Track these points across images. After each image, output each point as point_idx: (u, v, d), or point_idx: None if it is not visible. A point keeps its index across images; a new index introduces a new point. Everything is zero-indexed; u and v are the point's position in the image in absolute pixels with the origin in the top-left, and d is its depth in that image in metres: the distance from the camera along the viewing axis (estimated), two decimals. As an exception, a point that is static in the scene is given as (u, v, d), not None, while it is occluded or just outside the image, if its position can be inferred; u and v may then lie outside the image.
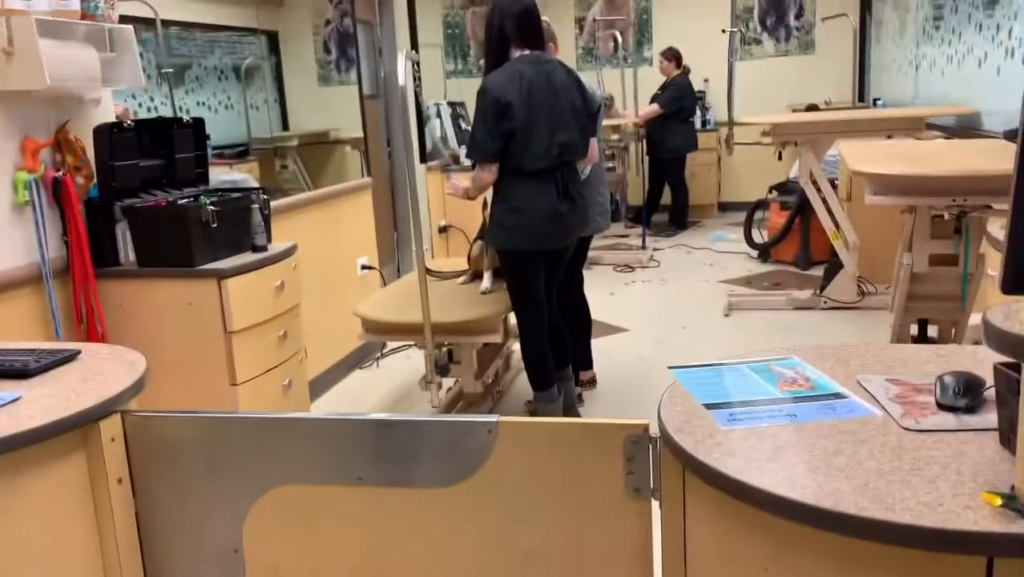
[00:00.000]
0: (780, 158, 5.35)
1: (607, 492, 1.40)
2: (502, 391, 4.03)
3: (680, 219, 7.99)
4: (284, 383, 2.87)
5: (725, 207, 8.71)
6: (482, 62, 3.24)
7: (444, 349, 3.42)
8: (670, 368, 1.52)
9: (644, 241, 7.16)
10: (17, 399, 1.52)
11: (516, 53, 3.03)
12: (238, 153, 7.52)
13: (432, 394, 3.24)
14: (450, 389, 3.81)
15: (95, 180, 2.63)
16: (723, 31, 5.40)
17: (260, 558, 1.56)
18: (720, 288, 5.79)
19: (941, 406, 1.27)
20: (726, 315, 5.13)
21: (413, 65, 3.57)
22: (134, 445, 1.57)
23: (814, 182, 4.93)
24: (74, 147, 2.57)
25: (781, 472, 1.09)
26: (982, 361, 1.44)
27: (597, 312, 4.20)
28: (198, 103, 7.95)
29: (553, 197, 2.99)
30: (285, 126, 8.68)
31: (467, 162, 6.01)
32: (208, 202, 2.65)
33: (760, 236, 6.70)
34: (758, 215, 6.72)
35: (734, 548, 1.17)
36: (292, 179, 7.14)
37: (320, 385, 4.17)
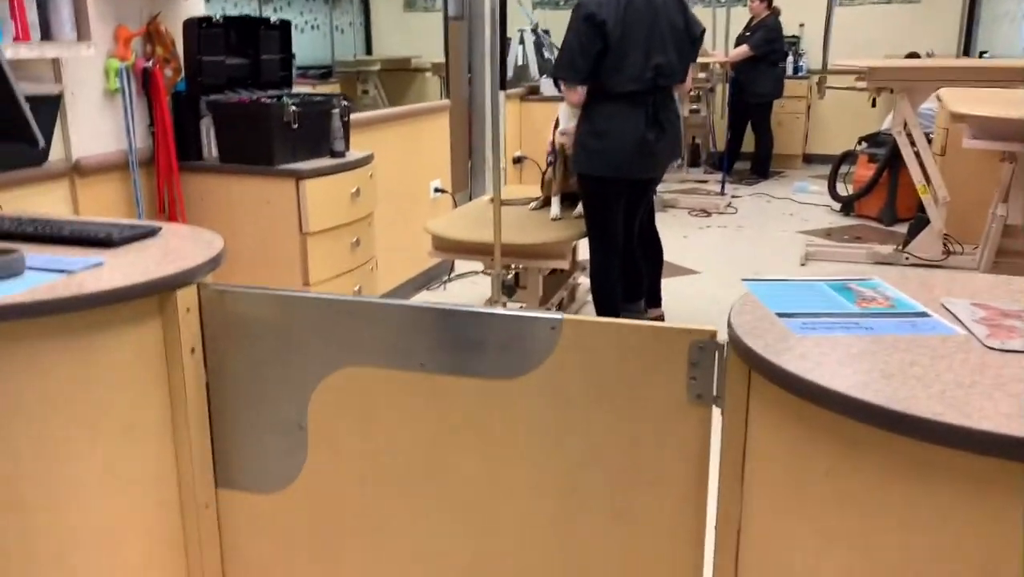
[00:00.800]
0: (874, 105, 5.14)
1: (668, 397, 1.38)
2: (567, 320, 4.02)
3: (763, 167, 7.77)
4: (355, 289, 2.91)
5: (811, 159, 8.45)
6: None
7: (511, 272, 3.42)
8: (744, 280, 1.48)
9: (723, 187, 7.01)
10: (100, 264, 1.57)
11: None
12: (321, 75, 7.56)
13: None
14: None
15: (183, 74, 2.67)
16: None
17: (323, 436, 1.59)
18: (798, 239, 5.64)
19: (1030, 331, 1.21)
20: (803, 264, 5.01)
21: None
22: (208, 318, 1.62)
23: (908, 133, 4.72)
24: (164, 39, 2.61)
25: (854, 376, 1.06)
26: (1079, 295, 1.36)
27: (669, 254, 4.14)
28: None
29: (641, 123, 2.91)
30: (369, 50, 8.69)
31: (547, 91, 5.94)
32: (291, 103, 2.67)
33: (845, 189, 6.48)
34: (844, 168, 6.50)
35: (796, 451, 1.15)
36: (372, 104, 7.16)
37: (396, 297, 4.22)
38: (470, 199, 5.75)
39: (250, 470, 1.67)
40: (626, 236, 3.22)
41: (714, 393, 1.34)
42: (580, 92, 2.91)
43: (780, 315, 1.30)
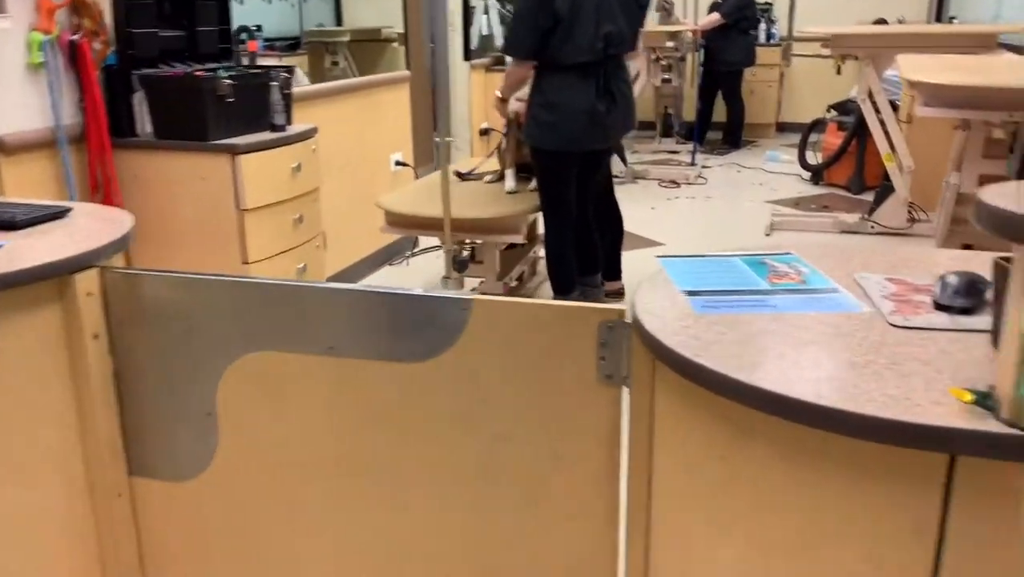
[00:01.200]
0: (839, 72, 5.08)
1: (579, 377, 1.34)
2: (527, 296, 3.98)
3: (735, 137, 7.72)
4: (299, 267, 2.86)
5: (784, 127, 8.39)
6: None
7: (467, 247, 3.37)
8: (658, 256, 1.44)
9: (694, 158, 6.96)
10: (-2, 247, 1.51)
11: None
12: (288, 46, 7.42)
13: (448, 290, 3.21)
14: (473, 289, 3.78)
15: (113, 47, 2.59)
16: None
17: (233, 423, 1.55)
18: (766, 208, 5.60)
19: (939, 306, 1.18)
20: (767, 235, 4.97)
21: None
22: (114, 302, 1.56)
23: (873, 101, 4.68)
24: (91, 10, 2.52)
25: (744, 357, 1.02)
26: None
27: (635, 226, 4.11)
28: (254, -8, 7.80)
29: (592, 94, 2.85)
30: (339, 21, 8.53)
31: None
32: (225, 76, 2.59)
33: (815, 158, 6.45)
34: (814, 136, 6.46)
35: (694, 436, 1.12)
36: (342, 75, 7.03)
37: (347, 277, 4.17)
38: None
39: (163, 458, 1.63)
40: (580, 209, 3.17)
41: (623, 374, 1.30)
42: (528, 66, 2.86)
43: (687, 293, 1.26)
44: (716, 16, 7.21)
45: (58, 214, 1.71)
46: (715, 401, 1.03)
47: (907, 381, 0.95)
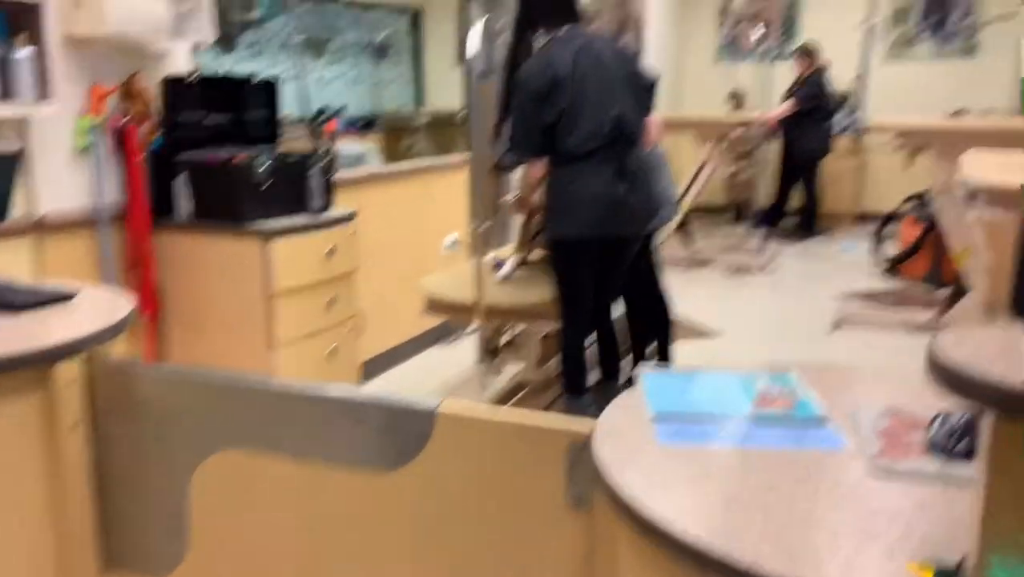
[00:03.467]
0: (912, 164, 4.90)
1: (547, 499, 1.25)
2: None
3: (809, 224, 7.52)
4: (329, 349, 2.84)
5: (863, 217, 8.14)
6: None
7: (505, 334, 3.31)
8: (642, 372, 1.35)
9: (763, 245, 6.78)
10: (-11, 332, 1.52)
11: (549, 35, 2.80)
12: (366, 125, 7.64)
13: (481, 377, 3.14)
14: (514, 376, 3.70)
15: (160, 132, 2.67)
16: (861, 24, 4.99)
17: (205, 521, 1.50)
18: (836, 301, 5.39)
19: (934, 446, 1.05)
20: (833, 329, 4.76)
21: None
22: (101, 390, 1.55)
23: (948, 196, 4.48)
24: (141, 96, 2.62)
25: (687, 500, 0.92)
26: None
27: (696, 313, 3.96)
28: (335, 75, 8.11)
29: (608, 177, 2.73)
30: (420, 102, 8.77)
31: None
32: (263, 161, 2.64)
33: (892, 250, 6.20)
34: (891, 227, 6.23)
35: (651, 572, 1.01)
36: (417, 156, 7.18)
37: (390, 358, 4.15)
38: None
39: (138, 550, 1.59)
40: (601, 306, 3.04)
41: (592, 497, 1.21)
42: (540, 165, 2.75)
43: (658, 416, 1.16)
44: (790, 103, 7.11)
45: (63, 297, 1.73)
46: (657, 544, 0.92)
47: (864, 547, 0.83)
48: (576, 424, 1.24)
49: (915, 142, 4.49)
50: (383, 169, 4.03)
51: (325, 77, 7.68)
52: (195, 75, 2.69)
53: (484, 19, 2.95)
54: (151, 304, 2.69)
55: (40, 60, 2.29)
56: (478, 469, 1.29)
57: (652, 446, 1.06)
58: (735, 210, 7.63)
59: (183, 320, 2.69)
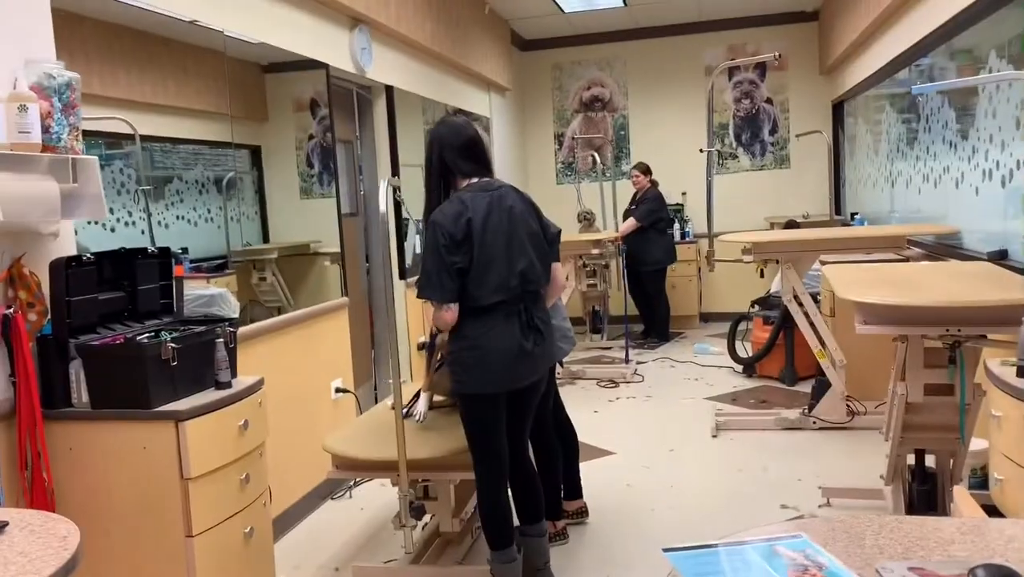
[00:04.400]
0: (762, 276, 5.30)
1: None
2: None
3: (662, 330, 7.91)
4: (245, 531, 2.66)
5: (707, 317, 8.66)
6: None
7: (419, 485, 3.22)
8: (665, 551, 1.36)
9: (627, 355, 7.05)
10: (-77, 592, 1.33)
11: (463, 183, 2.89)
12: (216, 266, 7.41)
13: (406, 539, 3.03)
14: (426, 525, 3.60)
15: (49, 316, 2.49)
16: (701, 151, 5.43)
17: None
18: (706, 405, 5.64)
19: (976, 605, 1.12)
20: (714, 436, 4.97)
21: (394, 190, 3.48)
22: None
23: (797, 300, 4.86)
24: (28, 282, 2.44)
25: None
26: (1011, 540, 1.30)
27: (582, 433, 4.03)
28: (178, 216, 7.88)
29: (516, 332, 2.78)
30: (266, 238, 8.62)
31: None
32: (168, 338, 2.50)
33: (744, 350, 6.61)
34: (741, 328, 6.65)
35: None
36: (270, 291, 7.00)
37: (291, 518, 3.94)
38: (375, 392, 5.57)
39: None
40: (516, 453, 3.00)
41: None
42: (453, 309, 2.75)
43: (709, 606, 1.17)
44: (632, 221, 7.58)
45: (-7, 533, 1.54)
46: None
47: None
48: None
49: (764, 255, 4.87)
50: (267, 324, 3.92)
51: (165, 220, 7.43)
52: (88, 255, 2.54)
53: (386, 180, 2.97)
54: (45, 506, 2.43)
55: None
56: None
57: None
58: (590, 320, 7.92)
59: (87, 516, 2.44)
